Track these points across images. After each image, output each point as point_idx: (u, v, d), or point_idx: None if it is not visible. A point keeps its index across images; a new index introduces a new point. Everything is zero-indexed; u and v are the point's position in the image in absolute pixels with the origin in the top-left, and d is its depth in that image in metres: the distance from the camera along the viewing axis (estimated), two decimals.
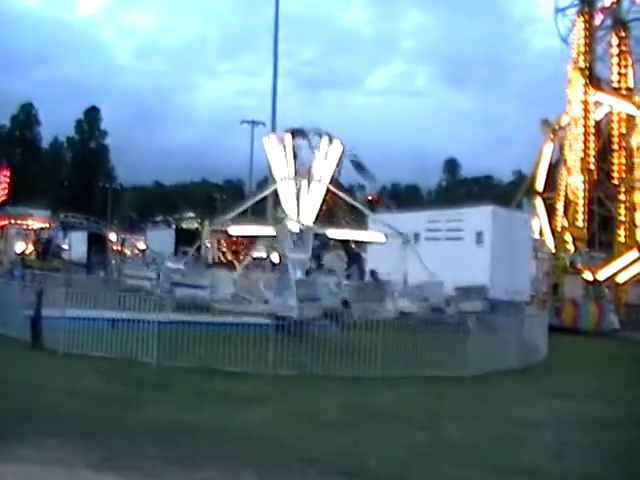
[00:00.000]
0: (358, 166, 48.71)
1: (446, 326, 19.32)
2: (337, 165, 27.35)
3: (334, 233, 28.68)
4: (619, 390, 15.84)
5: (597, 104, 41.07)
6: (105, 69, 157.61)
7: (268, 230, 29.47)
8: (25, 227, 46.89)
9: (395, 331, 16.52)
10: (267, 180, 29.65)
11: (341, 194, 30.03)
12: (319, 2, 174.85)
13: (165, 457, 8.93)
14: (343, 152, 27.11)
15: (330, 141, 25.88)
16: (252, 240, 52.05)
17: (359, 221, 35.01)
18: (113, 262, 46.72)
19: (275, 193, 28.70)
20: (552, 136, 43.43)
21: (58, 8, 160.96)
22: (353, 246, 38.43)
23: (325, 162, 25.88)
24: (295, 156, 25.98)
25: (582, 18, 41.55)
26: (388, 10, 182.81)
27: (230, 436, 10.14)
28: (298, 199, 25.85)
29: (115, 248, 53.87)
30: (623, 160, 40.70)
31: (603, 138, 41.53)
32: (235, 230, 28.79)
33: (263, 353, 15.34)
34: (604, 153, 41.28)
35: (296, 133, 26.57)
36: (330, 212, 39.40)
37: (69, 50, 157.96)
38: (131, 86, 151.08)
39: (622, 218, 40.11)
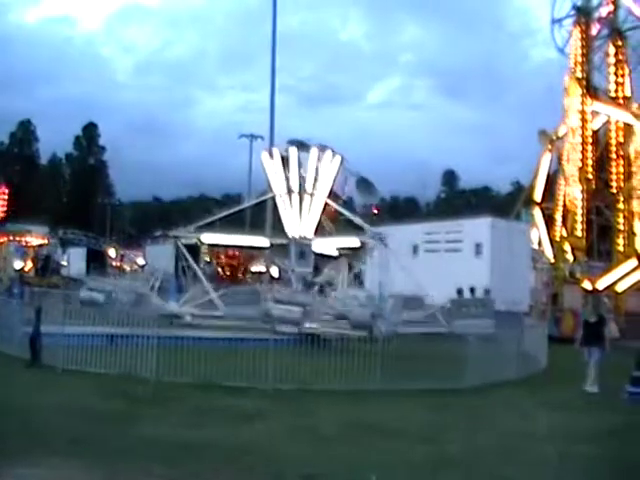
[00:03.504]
0: (362, 181, 48.66)
1: (445, 337, 19.22)
2: (335, 178, 27.22)
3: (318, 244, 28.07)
4: (619, 400, 15.78)
5: (594, 113, 41.19)
6: (105, 85, 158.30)
7: (246, 240, 29.47)
8: (24, 244, 46.94)
9: (394, 343, 16.48)
10: (265, 194, 29.56)
11: (338, 207, 29.82)
12: (317, 18, 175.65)
13: (167, 475, 8.87)
14: (341, 164, 26.97)
15: (324, 153, 25.79)
16: (250, 255, 51.99)
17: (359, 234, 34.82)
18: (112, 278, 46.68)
19: (275, 206, 28.58)
20: (550, 146, 43.54)
21: (59, 25, 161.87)
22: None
23: (321, 175, 25.82)
24: (289, 169, 25.90)
25: (579, 28, 41.76)
26: (386, 25, 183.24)
27: (231, 452, 10.10)
28: (296, 212, 25.81)
29: (114, 264, 53.92)
30: (621, 169, 40.85)
31: (601, 147, 41.64)
32: (208, 238, 28.49)
33: (263, 368, 15.30)
34: (602, 162, 41.37)
35: (290, 145, 26.54)
36: (329, 225, 39.28)
37: (69, 67, 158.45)
38: (131, 102, 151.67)
39: (621, 227, 40.21)
